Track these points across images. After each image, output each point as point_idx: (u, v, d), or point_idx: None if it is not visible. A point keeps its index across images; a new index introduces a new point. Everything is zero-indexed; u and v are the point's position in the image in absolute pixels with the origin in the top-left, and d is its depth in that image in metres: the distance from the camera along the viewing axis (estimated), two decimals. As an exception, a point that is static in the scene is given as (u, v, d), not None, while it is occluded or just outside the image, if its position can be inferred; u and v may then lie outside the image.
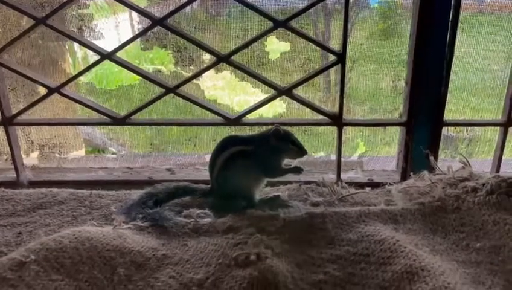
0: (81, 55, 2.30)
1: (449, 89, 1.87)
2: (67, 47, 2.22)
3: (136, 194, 1.69)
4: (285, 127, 1.70)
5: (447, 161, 2.02)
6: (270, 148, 1.63)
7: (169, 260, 1.38)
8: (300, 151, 1.65)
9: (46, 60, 2.09)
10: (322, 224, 1.51)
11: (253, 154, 1.64)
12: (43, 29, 1.94)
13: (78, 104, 2.04)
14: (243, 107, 2.01)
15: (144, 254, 1.38)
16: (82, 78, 2.13)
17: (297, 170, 1.69)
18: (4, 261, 1.28)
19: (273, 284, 1.26)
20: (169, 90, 1.93)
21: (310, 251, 1.42)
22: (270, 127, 1.65)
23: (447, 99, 1.89)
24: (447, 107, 1.91)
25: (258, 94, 2.06)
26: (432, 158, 1.78)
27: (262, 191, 1.76)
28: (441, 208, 1.57)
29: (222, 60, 1.88)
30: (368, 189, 1.78)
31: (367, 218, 1.52)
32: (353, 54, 1.97)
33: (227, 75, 2.05)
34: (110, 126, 2.14)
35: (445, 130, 1.99)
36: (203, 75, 2.01)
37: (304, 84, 1.96)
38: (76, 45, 2.20)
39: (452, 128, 2.10)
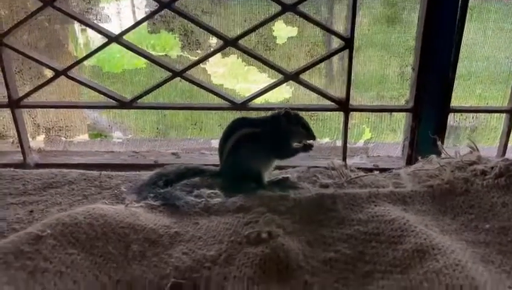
0: (83, 40, 2.29)
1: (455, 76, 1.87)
2: (69, 30, 2.20)
3: (146, 175, 1.70)
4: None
5: (451, 149, 2.02)
6: (280, 130, 1.64)
7: (181, 237, 1.40)
8: (310, 135, 1.66)
9: (52, 43, 2.08)
10: (333, 205, 1.52)
11: (263, 136, 1.64)
12: (50, 12, 1.92)
13: (83, 88, 2.04)
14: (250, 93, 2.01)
15: (156, 231, 1.39)
16: (86, 62, 2.12)
17: (307, 148, 1.69)
18: (21, 235, 1.29)
19: (284, 261, 1.27)
20: (176, 74, 1.93)
21: (321, 230, 1.43)
22: (277, 110, 1.66)
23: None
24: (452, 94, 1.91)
25: (264, 80, 2.06)
26: (439, 143, 1.79)
27: (272, 173, 1.76)
28: (449, 191, 1.58)
29: (229, 43, 1.88)
30: (376, 172, 1.80)
31: (377, 199, 1.53)
32: (360, 40, 1.96)
33: (234, 59, 2.04)
34: (116, 110, 2.13)
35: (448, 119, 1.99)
36: (210, 60, 2.01)
37: (310, 70, 1.96)
38: (77, 30, 2.19)
39: (457, 116, 2.10)
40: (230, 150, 1.65)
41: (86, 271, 1.25)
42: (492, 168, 1.58)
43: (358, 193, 1.56)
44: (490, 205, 1.48)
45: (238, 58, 2.03)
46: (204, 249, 1.34)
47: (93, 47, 1.96)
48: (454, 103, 1.95)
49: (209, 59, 2.00)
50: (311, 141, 1.69)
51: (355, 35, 1.85)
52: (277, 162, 1.74)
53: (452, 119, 2.10)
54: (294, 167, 1.85)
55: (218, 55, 2.00)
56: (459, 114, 2.06)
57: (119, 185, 1.72)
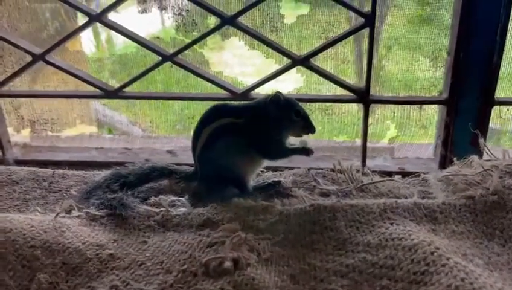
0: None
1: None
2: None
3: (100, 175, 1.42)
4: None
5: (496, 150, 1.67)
6: (268, 120, 1.31)
7: (117, 262, 1.08)
8: (307, 125, 1.32)
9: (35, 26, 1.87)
10: (331, 221, 1.16)
11: (246, 128, 1.32)
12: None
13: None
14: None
15: (83, 253, 1.08)
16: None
17: (305, 152, 1.35)
18: None
19: None
20: (165, 58, 1.67)
21: (312, 257, 1.07)
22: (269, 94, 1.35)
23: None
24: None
25: (271, 67, 1.77)
26: (482, 140, 1.43)
27: (263, 176, 1.45)
28: (498, 204, 1.21)
29: (227, 22, 1.61)
30: (397, 177, 1.45)
31: (394, 214, 1.16)
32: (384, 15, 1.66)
33: (235, 42, 1.76)
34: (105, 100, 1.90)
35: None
36: (209, 44, 1.75)
37: (324, 55, 1.67)
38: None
39: (504, 110, 1.75)
40: (204, 146, 1.34)
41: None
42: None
43: (368, 205, 1.19)
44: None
45: (240, 40, 1.76)
46: (142, 282, 1.01)
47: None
48: (500, 94, 1.62)
49: (207, 43, 1.75)
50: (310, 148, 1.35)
51: (378, 12, 1.56)
52: (268, 161, 1.42)
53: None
54: (293, 167, 1.53)
55: (218, 37, 1.74)
56: (505, 108, 1.73)
57: (71, 187, 1.43)
